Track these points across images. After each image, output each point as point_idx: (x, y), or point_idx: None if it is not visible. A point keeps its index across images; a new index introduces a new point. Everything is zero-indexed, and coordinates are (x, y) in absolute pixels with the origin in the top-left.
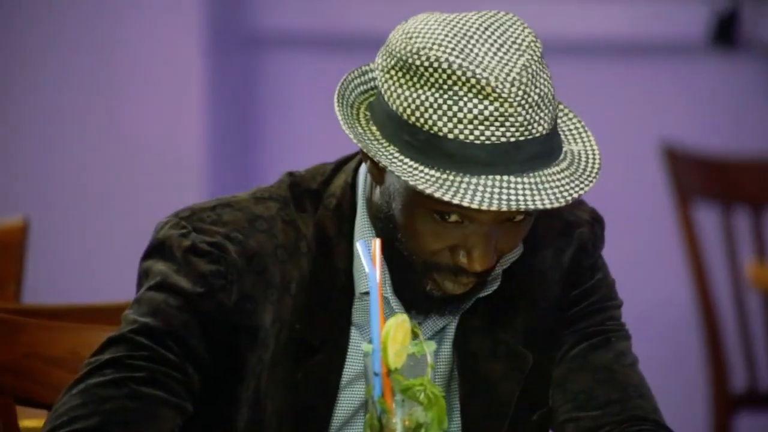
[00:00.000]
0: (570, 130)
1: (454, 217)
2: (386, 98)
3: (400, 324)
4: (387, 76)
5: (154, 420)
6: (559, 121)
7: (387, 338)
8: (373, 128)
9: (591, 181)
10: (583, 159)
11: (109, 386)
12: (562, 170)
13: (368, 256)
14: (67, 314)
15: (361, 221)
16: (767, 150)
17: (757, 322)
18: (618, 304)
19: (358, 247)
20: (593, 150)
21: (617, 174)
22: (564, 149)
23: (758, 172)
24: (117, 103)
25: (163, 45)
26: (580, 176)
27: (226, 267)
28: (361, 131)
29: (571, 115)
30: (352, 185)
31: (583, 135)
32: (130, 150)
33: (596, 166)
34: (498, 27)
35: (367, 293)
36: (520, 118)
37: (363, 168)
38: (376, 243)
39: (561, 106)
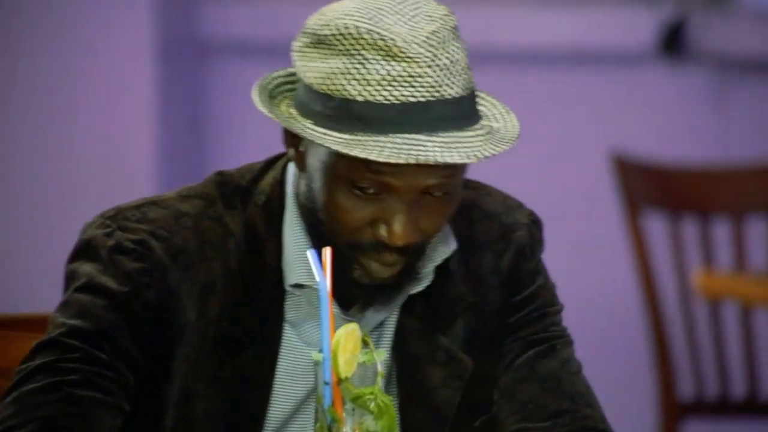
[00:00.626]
0: (494, 114)
1: (371, 189)
2: (301, 76)
3: (350, 333)
4: (300, 54)
5: (92, 422)
6: (481, 106)
7: (337, 347)
8: (292, 110)
9: (506, 144)
10: (502, 130)
11: (42, 392)
12: (477, 134)
13: (319, 265)
14: (14, 324)
15: (290, 215)
16: (714, 159)
17: (705, 330)
18: (559, 309)
19: (309, 256)
20: (514, 125)
21: (567, 182)
22: (483, 123)
23: (706, 180)
24: (67, 110)
25: (114, 52)
26: (496, 141)
27: (151, 264)
28: (278, 109)
29: (495, 102)
30: (281, 182)
31: (506, 116)
32: (80, 157)
33: (514, 134)
34: (412, 3)
35: (297, 286)
36: (429, 79)
37: (292, 164)
38: (327, 252)
39: (483, 94)
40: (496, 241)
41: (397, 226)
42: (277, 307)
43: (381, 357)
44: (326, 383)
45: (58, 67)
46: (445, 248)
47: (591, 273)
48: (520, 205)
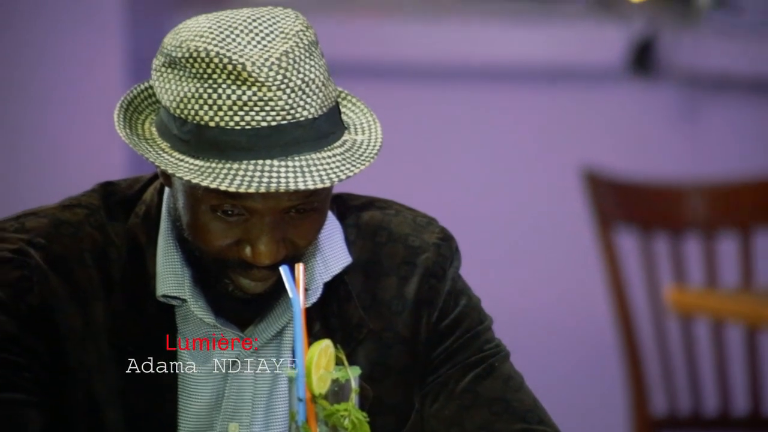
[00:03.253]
0: (361, 123)
1: (233, 212)
2: (159, 97)
3: (323, 349)
4: (158, 74)
5: (21, 422)
6: (348, 112)
7: (311, 364)
8: (153, 129)
9: (363, 164)
10: (363, 146)
11: None
12: (335, 155)
13: (292, 281)
14: None
15: (165, 226)
16: (685, 175)
17: (677, 346)
18: (488, 325)
19: (282, 272)
20: (376, 138)
21: (538, 198)
22: (345, 138)
23: (677, 196)
24: (37, 124)
25: (84, 64)
26: (353, 160)
27: (30, 271)
28: (136, 132)
29: (364, 109)
30: (161, 191)
31: (372, 126)
32: (50, 171)
33: (373, 151)
34: (268, 19)
35: (168, 297)
36: (281, 102)
37: None
38: (300, 268)
39: (353, 100)
40: (401, 265)
41: (262, 247)
42: (168, 319)
43: (355, 373)
44: (300, 399)
45: (28, 79)
46: (336, 264)
47: (563, 289)
48: (430, 222)
